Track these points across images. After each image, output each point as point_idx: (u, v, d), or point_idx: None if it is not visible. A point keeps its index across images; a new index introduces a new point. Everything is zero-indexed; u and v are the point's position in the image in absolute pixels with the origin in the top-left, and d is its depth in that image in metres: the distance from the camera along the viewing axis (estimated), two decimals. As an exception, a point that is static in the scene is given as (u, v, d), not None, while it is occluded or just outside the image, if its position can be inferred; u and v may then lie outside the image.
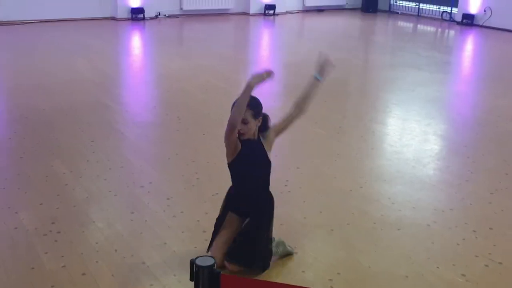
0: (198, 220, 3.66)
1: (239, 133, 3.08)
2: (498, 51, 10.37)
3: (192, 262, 1.56)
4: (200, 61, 8.45)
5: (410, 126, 5.74)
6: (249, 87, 3.00)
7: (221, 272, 1.57)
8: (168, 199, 3.94)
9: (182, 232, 3.52)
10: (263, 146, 3.22)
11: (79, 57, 8.33)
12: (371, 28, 12.77)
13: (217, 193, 4.03)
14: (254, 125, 3.13)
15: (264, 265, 3.11)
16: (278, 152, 4.93)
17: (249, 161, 3.14)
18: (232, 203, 3.27)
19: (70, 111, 5.86)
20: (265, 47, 10.93)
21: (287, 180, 4.32)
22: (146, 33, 11.16)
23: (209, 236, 3.45)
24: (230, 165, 3.21)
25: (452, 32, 12.28)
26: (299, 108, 3.30)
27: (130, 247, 3.32)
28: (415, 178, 4.45)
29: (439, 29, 12.56)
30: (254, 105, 3.13)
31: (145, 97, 6.78)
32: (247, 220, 3.19)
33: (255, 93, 3.11)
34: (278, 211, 3.80)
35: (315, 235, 3.56)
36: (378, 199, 4.07)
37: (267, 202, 3.25)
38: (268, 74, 3.10)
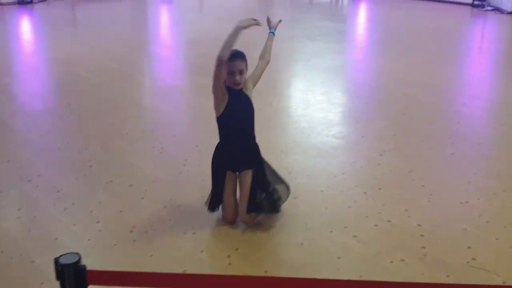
0: (91, 211, 3.54)
1: (235, 83, 3.22)
2: (388, 17, 10.80)
3: (56, 261, 1.49)
4: (94, 43, 8.13)
5: (305, 96, 5.86)
6: (238, 28, 3.20)
7: (87, 268, 1.52)
8: (58, 191, 3.78)
9: (74, 225, 3.39)
10: (247, 94, 3.33)
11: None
12: (270, 1, 12.84)
13: (111, 180, 3.93)
14: (246, 75, 3.31)
15: (276, 208, 3.42)
16: (176, 131, 4.90)
17: (238, 111, 3.26)
18: (226, 161, 3.35)
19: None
20: (164, 24, 10.69)
21: (186, 160, 4.28)
22: (35, 17, 10.56)
23: (103, 226, 3.37)
24: (220, 118, 3.28)
25: (345, 1, 12.62)
26: (264, 59, 3.58)
27: (18, 246, 3.16)
28: (310, 146, 4.57)
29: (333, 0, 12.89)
30: (245, 56, 3.31)
31: (35, 85, 6.43)
32: (245, 172, 3.33)
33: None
34: (176, 191, 3.79)
35: (213, 213, 3.56)
36: (276, 169, 4.12)
37: (257, 149, 3.42)
38: (255, 21, 3.35)
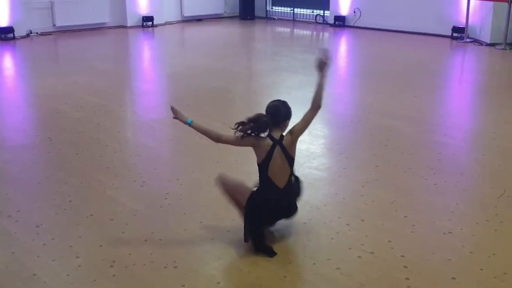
0: (71, 246, 3.47)
1: None
2: (369, 49, 10.97)
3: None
4: (76, 78, 8.11)
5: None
6: (322, 73, 3.55)
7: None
8: (37, 226, 3.71)
9: (53, 260, 3.32)
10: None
11: None
12: (250, 35, 13.01)
13: (92, 215, 3.88)
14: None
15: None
16: (157, 165, 4.87)
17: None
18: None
19: None
20: (146, 59, 10.75)
21: (167, 193, 4.24)
22: (17, 52, 10.54)
23: (83, 261, 3.32)
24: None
25: (326, 34, 12.83)
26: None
27: (-7, 284, 3.08)
28: (293, 178, 4.55)
29: (314, 32, 13.08)
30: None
31: (15, 120, 6.37)
32: None
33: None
34: (157, 225, 3.74)
35: (194, 246, 3.51)
36: (258, 203, 4.10)
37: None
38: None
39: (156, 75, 9.10)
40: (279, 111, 3.48)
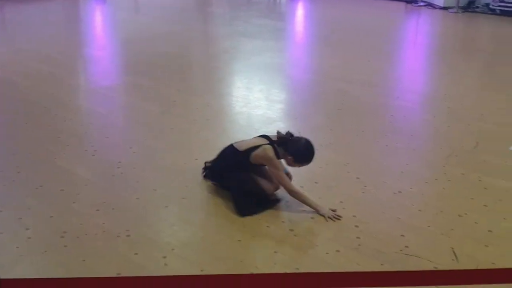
0: (20, 218, 3.39)
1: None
2: (325, 14, 10.96)
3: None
4: (24, 45, 7.82)
5: (243, 94, 5.85)
6: (318, 210, 3.49)
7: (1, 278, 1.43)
8: (-16, 199, 3.60)
9: (1, 233, 3.23)
10: None
11: None
12: (207, -1, 12.78)
13: (41, 186, 3.79)
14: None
15: None
16: (109, 133, 4.77)
17: None
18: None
19: None
20: (98, 25, 10.44)
21: (120, 162, 4.17)
22: (-40, 19, 10.07)
23: (33, 233, 3.25)
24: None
25: (283, 0, 12.71)
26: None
27: None
28: (248, 143, 4.54)
29: (271, -3, 12.96)
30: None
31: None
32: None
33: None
34: (109, 194, 3.69)
35: (148, 214, 3.49)
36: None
37: None
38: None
39: (108, 41, 8.86)
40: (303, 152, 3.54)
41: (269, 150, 3.48)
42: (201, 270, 2.90)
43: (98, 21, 10.80)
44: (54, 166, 4.10)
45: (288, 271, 2.90)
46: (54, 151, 4.36)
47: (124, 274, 2.86)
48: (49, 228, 3.29)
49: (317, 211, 3.45)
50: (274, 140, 3.57)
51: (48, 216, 3.42)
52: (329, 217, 3.40)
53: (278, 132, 3.61)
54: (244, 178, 3.53)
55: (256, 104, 5.53)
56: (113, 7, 11.79)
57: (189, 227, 3.34)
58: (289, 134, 3.59)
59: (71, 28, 9.89)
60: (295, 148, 3.50)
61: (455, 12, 10.44)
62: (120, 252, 3.07)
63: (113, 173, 4.00)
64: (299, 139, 3.54)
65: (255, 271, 2.89)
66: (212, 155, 3.97)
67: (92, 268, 2.94)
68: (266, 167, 3.60)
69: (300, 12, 11.73)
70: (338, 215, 3.42)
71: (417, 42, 9.04)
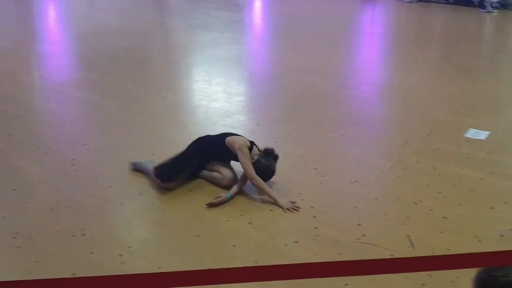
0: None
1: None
2: (284, 7, 10.95)
3: None
4: (-28, 41, 7.56)
5: (201, 87, 5.80)
6: (276, 202, 3.53)
7: None
8: None
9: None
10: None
11: None
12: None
13: (-8, 186, 3.67)
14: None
15: None
16: (63, 130, 4.66)
17: None
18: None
19: None
20: (51, 19, 10.16)
21: (74, 159, 4.08)
22: None
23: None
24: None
25: (240, -9, 12.66)
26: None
27: None
28: (206, 137, 4.51)
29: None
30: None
31: None
32: None
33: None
34: (64, 193, 3.60)
35: (104, 212, 3.42)
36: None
37: None
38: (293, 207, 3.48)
39: (62, 36, 8.65)
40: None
41: (245, 140, 3.70)
42: (159, 267, 2.87)
43: (51, 15, 10.52)
44: (6, 165, 3.99)
45: (247, 265, 2.89)
46: (6, 149, 4.23)
47: (80, 274, 2.81)
48: (1, 229, 3.20)
49: (276, 203, 3.46)
50: (255, 145, 3.75)
51: (1, 217, 3.32)
52: (287, 209, 3.42)
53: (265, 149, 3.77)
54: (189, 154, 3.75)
55: (215, 97, 5.49)
56: (67, 1, 11.50)
57: (146, 223, 3.30)
58: (267, 151, 3.73)
59: (23, 22, 9.60)
60: (259, 164, 3.63)
61: (410, 2, 10.61)
62: (75, 252, 3.01)
63: (67, 171, 3.91)
64: (268, 160, 3.70)
65: (214, 266, 2.87)
66: (169, 149, 3.94)
67: (46, 269, 2.87)
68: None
69: (257, 4, 11.70)
70: (296, 206, 3.44)
71: (373, 32, 9.15)
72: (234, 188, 3.60)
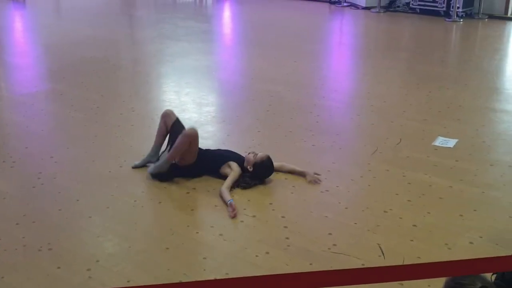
0: None
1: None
2: (251, 16, 10.99)
3: None
4: None
5: (169, 98, 5.76)
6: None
7: None
8: None
9: None
10: None
11: None
12: (131, 2, 12.51)
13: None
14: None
15: None
16: (29, 143, 4.56)
17: None
18: None
19: None
20: (17, 30, 9.98)
21: (40, 172, 3.99)
22: None
23: None
24: None
25: (209, 1, 12.67)
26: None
27: None
28: (176, 148, 4.46)
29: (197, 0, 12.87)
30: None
31: None
32: None
33: None
34: (30, 207, 3.51)
35: (71, 225, 3.35)
36: (138, 176, 3.99)
37: None
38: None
39: (28, 47, 8.49)
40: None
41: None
42: (128, 281, 2.82)
43: (17, 26, 10.33)
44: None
45: (218, 277, 2.86)
46: (-32, 164, 4.11)
47: (46, 290, 2.73)
48: (-38, 246, 3.09)
49: (301, 173, 3.97)
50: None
51: (-38, 233, 3.21)
52: (309, 181, 3.86)
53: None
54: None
55: (184, 108, 5.45)
56: (33, 11, 11.32)
57: (114, 237, 3.24)
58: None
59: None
60: (263, 164, 3.91)
61: (377, 12, 10.77)
62: (42, 267, 2.93)
63: (33, 184, 3.82)
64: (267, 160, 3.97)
65: (184, 279, 2.83)
66: (137, 161, 3.88)
67: (12, 285, 2.79)
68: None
69: (226, 14, 11.72)
70: (318, 179, 3.86)
71: (341, 42, 9.25)
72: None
